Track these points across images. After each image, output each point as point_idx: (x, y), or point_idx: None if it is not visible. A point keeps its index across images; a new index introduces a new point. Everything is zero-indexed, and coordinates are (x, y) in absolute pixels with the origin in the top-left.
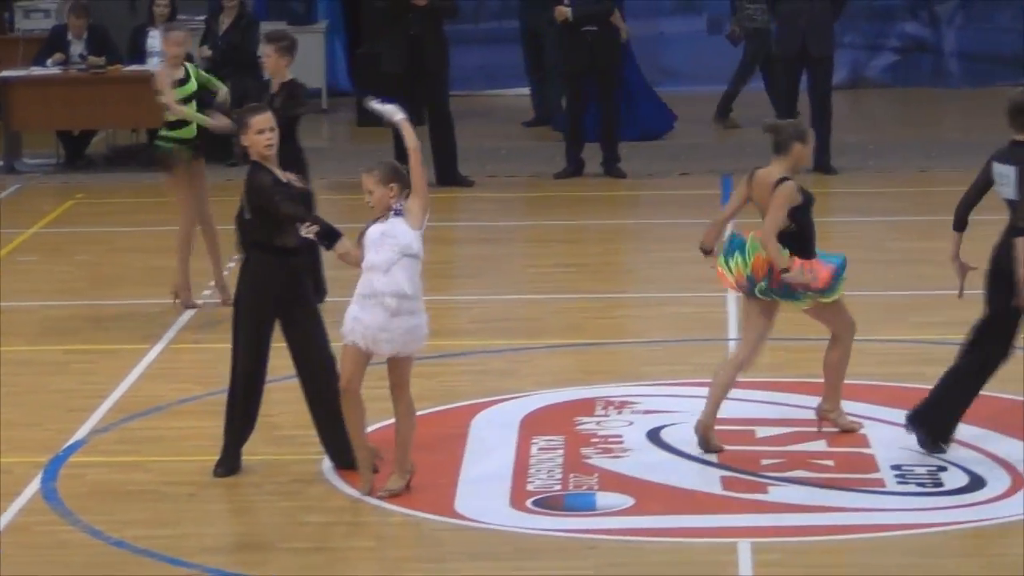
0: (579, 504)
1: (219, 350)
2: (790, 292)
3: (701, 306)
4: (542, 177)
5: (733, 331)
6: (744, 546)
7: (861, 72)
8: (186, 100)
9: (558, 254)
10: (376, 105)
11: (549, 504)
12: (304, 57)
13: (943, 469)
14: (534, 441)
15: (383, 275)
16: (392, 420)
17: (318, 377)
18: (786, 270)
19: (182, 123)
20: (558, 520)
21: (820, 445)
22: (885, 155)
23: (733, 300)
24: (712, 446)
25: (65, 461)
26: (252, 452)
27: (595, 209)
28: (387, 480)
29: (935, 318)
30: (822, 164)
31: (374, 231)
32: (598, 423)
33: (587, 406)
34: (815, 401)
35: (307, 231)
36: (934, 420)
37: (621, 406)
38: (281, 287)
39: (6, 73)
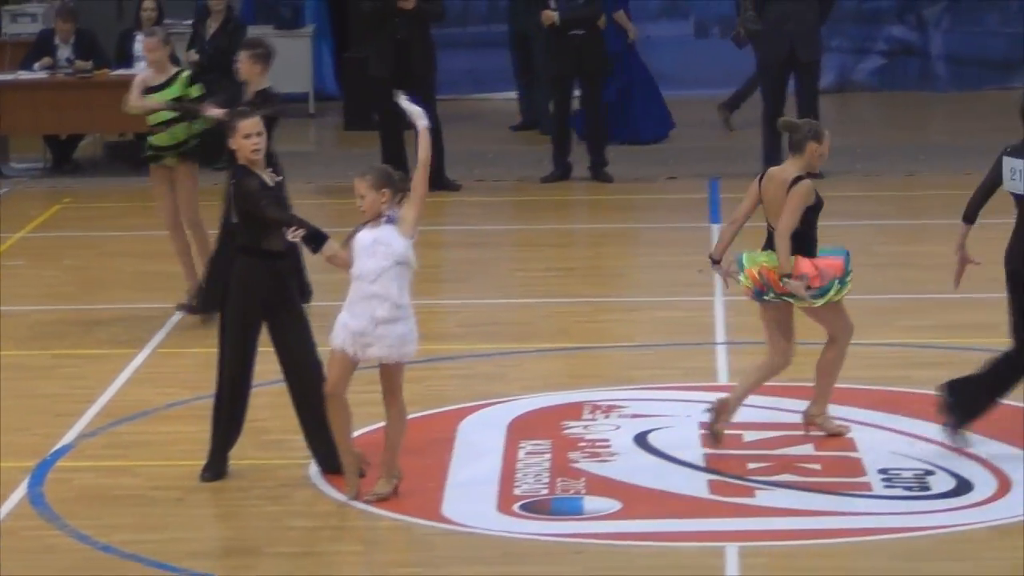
0: (566, 508)
1: (206, 355)
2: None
3: (689, 310)
4: (529, 181)
5: (721, 335)
6: (731, 550)
7: (848, 76)
8: (175, 108)
9: (546, 258)
10: (406, 103)
11: (536, 508)
12: (291, 61)
13: (930, 473)
14: (521, 445)
15: (371, 283)
16: (379, 425)
17: (305, 381)
18: (787, 275)
19: (164, 125)
20: (545, 524)
21: (807, 449)
22: (872, 159)
23: (721, 304)
24: (717, 429)
25: (52, 466)
26: (239, 457)
27: (583, 213)
28: (374, 484)
29: (923, 322)
30: None
31: (365, 237)
32: (585, 427)
33: (574, 410)
34: (803, 405)
35: (294, 235)
36: (966, 396)
37: (608, 410)
38: (268, 291)
39: None
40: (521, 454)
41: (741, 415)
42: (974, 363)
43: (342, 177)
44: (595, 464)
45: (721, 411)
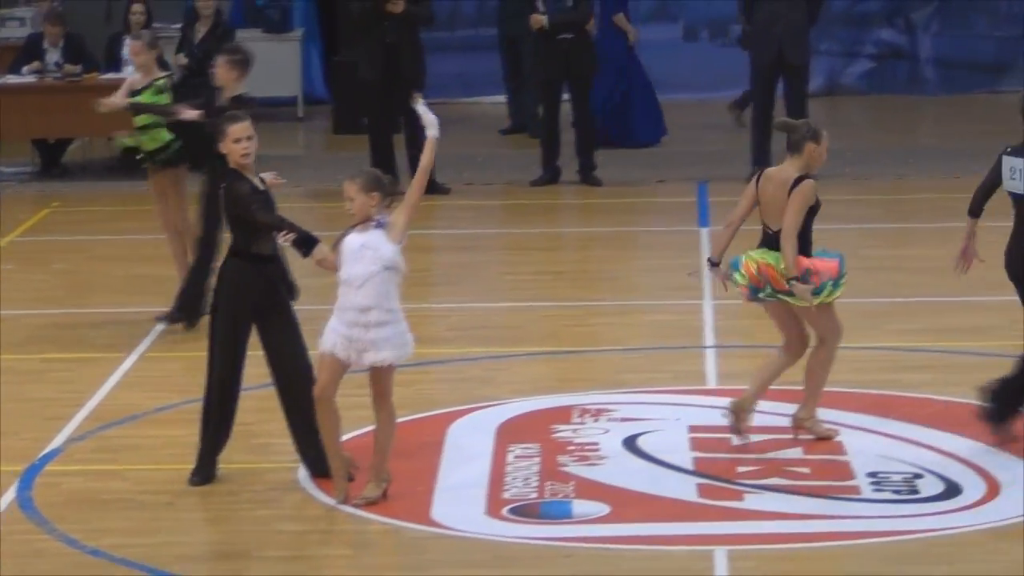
0: (555, 512)
1: (195, 359)
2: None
3: (678, 314)
4: (519, 185)
5: (710, 339)
6: (720, 553)
7: (837, 79)
8: (138, 110)
9: (535, 262)
10: (423, 109)
11: (525, 512)
12: (280, 65)
13: (919, 476)
14: (510, 449)
15: (358, 288)
16: (369, 428)
17: (294, 385)
18: (795, 278)
19: (143, 129)
20: (534, 528)
21: (796, 452)
22: (861, 162)
23: (710, 308)
24: (740, 427)
25: (41, 470)
26: (228, 460)
27: (572, 217)
28: (363, 488)
29: (912, 325)
30: None
31: (353, 241)
32: (574, 431)
33: (564, 414)
34: (791, 408)
35: (284, 239)
36: (1002, 396)
37: (597, 414)
38: (258, 294)
39: None
40: (510, 458)
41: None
42: (963, 366)
43: (331, 181)
44: (584, 468)
45: (739, 412)
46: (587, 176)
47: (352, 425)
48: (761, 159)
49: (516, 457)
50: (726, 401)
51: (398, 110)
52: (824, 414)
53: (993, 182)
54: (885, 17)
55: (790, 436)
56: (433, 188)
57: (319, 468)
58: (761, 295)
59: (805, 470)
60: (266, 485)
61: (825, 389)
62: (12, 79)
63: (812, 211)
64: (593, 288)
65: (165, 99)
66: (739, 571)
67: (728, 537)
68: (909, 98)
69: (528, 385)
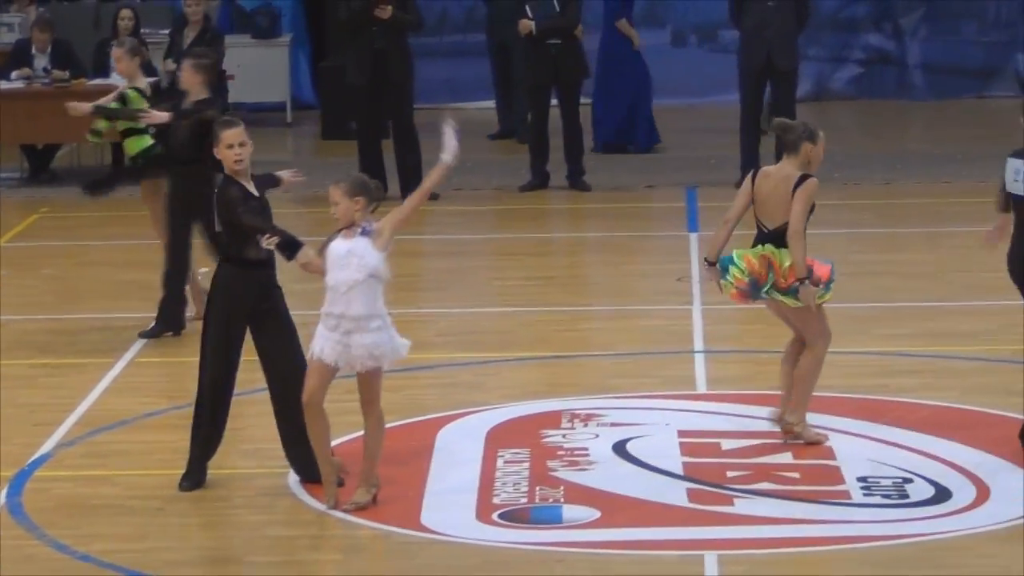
0: (545, 517)
1: (185, 364)
2: (791, 290)
3: (667, 319)
4: (507, 190)
5: (699, 344)
6: (710, 558)
7: (825, 84)
8: (105, 114)
9: (524, 267)
10: (449, 133)
11: (515, 517)
12: (268, 70)
13: (909, 481)
14: (500, 454)
15: (343, 295)
16: (359, 433)
17: (287, 390)
18: (804, 278)
19: (130, 134)
20: (524, 533)
21: (786, 457)
22: (849, 167)
23: (699, 313)
24: (817, 436)
25: (31, 475)
26: (218, 465)
27: (561, 222)
28: (353, 493)
29: (900, 330)
30: None
31: (339, 248)
32: (564, 436)
33: (553, 419)
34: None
35: (268, 242)
36: None
37: (587, 419)
38: (251, 299)
39: None
40: (500, 463)
41: (720, 423)
42: (952, 371)
43: (319, 186)
44: (574, 473)
45: (798, 423)
46: (576, 181)
47: (342, 430)
48: (750, 163)
49: (506, 462)
50: (714, 406)
51: (386, 115)
52: (814, 419)
53: (1004, 183)
54: (873, 22)
55: (780, 441)
56: None
57: (309, 473)
58: (763, 292)
59: (795, 475)
60: (256, 490)
61: (815, 394)
62: (1, 85)
63: (811, 210)
64: (582, 293)
65: (140, 103)
66: (729, 575)
67: (718, 542)
68: (898, 103)
69: (518, 390)
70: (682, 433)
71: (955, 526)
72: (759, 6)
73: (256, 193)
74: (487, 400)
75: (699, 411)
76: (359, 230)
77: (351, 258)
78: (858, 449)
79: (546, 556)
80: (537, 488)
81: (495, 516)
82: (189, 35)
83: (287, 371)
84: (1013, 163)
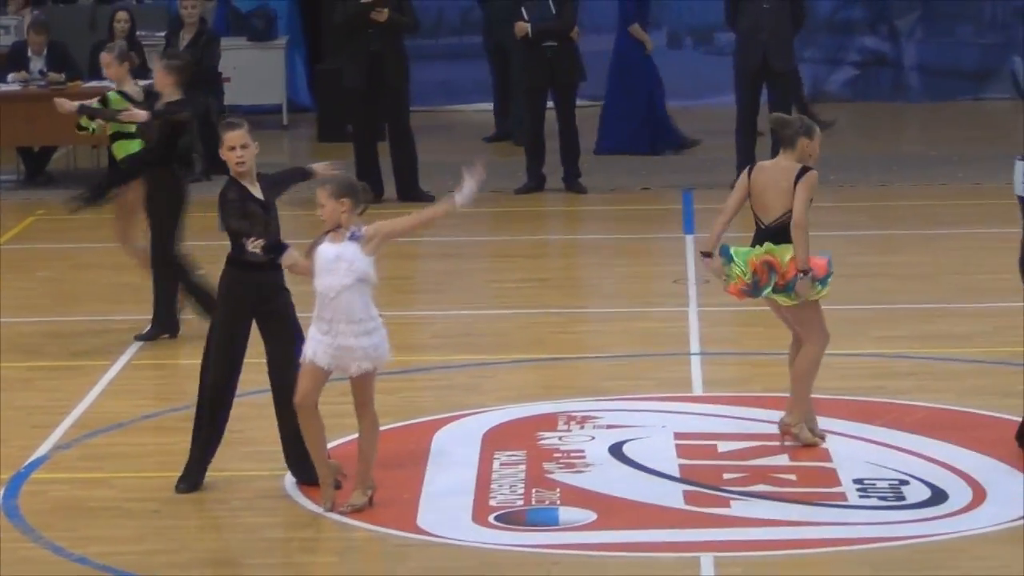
0: (541, 519)
1: (181, 366)
2: (787, 287)
3: (663, 321)
4: (504, 192)
5: (695, 346)
6: (706, 560)
7: (821, 86)
8: (90, 113)
9: (520, 269)
10: (475, 179)
11: (511, 519)
12: (264, 73)
13: (905, 483)
14: (496, 456)
15: (332, 299)
16: (354, 436)
17: (287, 392)
18: (805, 271)
19: (118, 138)
20: (520, 535)
21: (782, 459)
22: (845, 169)
23: (695, 315)
24: (814, 437)
25: (27, 478)
26: (216, 468)
27: (557, 224)
28: (350, 496)
29: (896, 332)
30: None
31: (327, 251)
32: (560, 438)
33: (549, 421)
34: (778, 415)
35: (252, 246)
36: None
37: (583, 421)
38: (254, 301)
39: None
40: (496, 465)
41: (716, 425)
42: (947, 373)
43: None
44: (570, 475)
45: (796, 424)
46: (572, 184)
47: (337, 433)
48: (746, 166)
49: (502, 464)
50: (710, 408)
51: (382, 117)
52: None
53: None
54: (869, 24)
55: (776, 443)
56: (417, 196)
57: (305, 475)
58: (764, 292)
59: (791, 477)
60: (253, 492)
61: (811, 396)
62: None
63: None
64: (579, 295)
65: (122, 105)
66: None
67: (715, 544)
68: (893, 105)
69: (514, 392)
70: (678, 435)
71: (951, 528)
72: (754, 8)
73: (260, 195)
74: (483, 402)
75: (695, 413)
76: (347, 234)
77: (340, 263)
78: (854, 451)
79: (542, 558)
80: (533, 490)
81: (491, 518)
82: (185, 37)
83: (287, 373)
84: (1021, 166)
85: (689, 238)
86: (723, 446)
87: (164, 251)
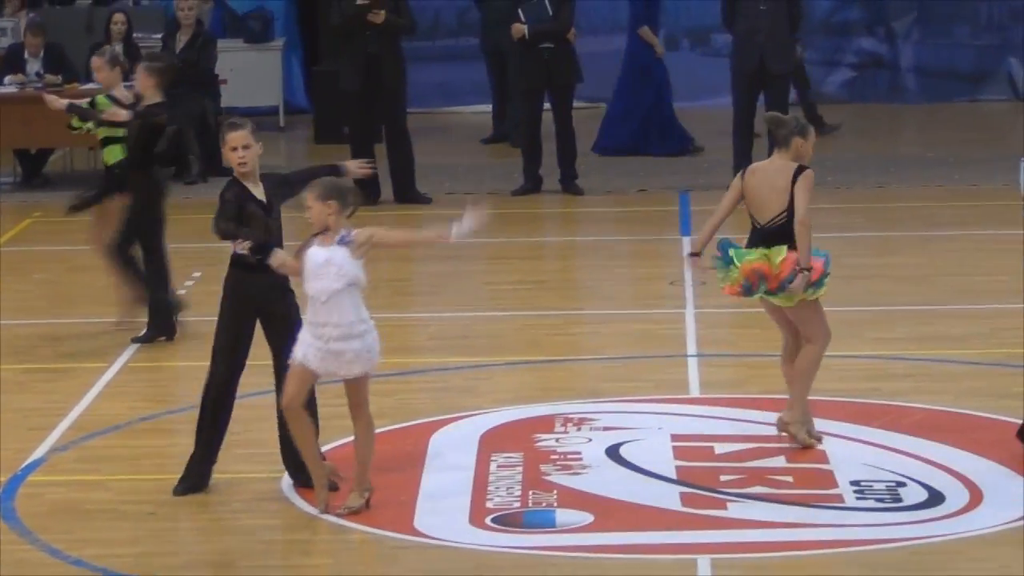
0: (538, 521)
1: (178, 368)
2: (783, 288)
3: (659, 323)
4: (500, 194)
5: (692, 348)
6: (704, 562)
7: (818, 88)
8: (79, 114)
9: (517, 271)
10: (474, 218)
11: (508, 521)
12: (261, 75)
13: (902, 485)
14: (493, 458)
15: (323, 303)
16: (350, 438)
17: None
18: (807, 268)
19: (108, 143)
20: (517, 537)
21: (779, 461)
22: (842, 171)
23: (692, 317)
24: (810, 439)
25: (24, 480)
26: (213, 469)
27: (554, 226)
28: (346, 498)
29: (892, 334)
30: None
31: (317, 255)
32: (557, 440)
33: (546, 423)
34: (774, 417)
35: (240, 247)
36: None
37: (580, 423)
38: (257, 301)
39: None
40: (493, 467)
41: (713, 427)
42: (945, 375)
43: None
44: (567, 477)
45: (793, 423)
46: (569, 185)
47: (334, 435)
48: (743, 167)
49: (499, 466)
50: (707, 410)
51: (379, 119)
52: None
53: None
54: (866, 26)
55: (773, 444)
56: (414, 197)
57: (304, 478)
58: (757, 295)
59: (788, 479)
60: (250, 495)
61: (808, 397)
62: None
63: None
64: (575, 297)
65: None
66: None
67: (712, 546)
68: (890, 107)
69: (510, 394)
70: (675, 437)
71: (948, 530)
72: (751, 10)
73: (263, 196)
74: (480, 404)
75: (692, 415)
76: (336, 238)
77: (329, 267)
78: (851, 453)
79: (539, 560)
80: (530, 492)
81: (488, 520)
82: (181, 39)
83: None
84: None
85: (686, 240)
86: (720, 448)
87: (122, 245)
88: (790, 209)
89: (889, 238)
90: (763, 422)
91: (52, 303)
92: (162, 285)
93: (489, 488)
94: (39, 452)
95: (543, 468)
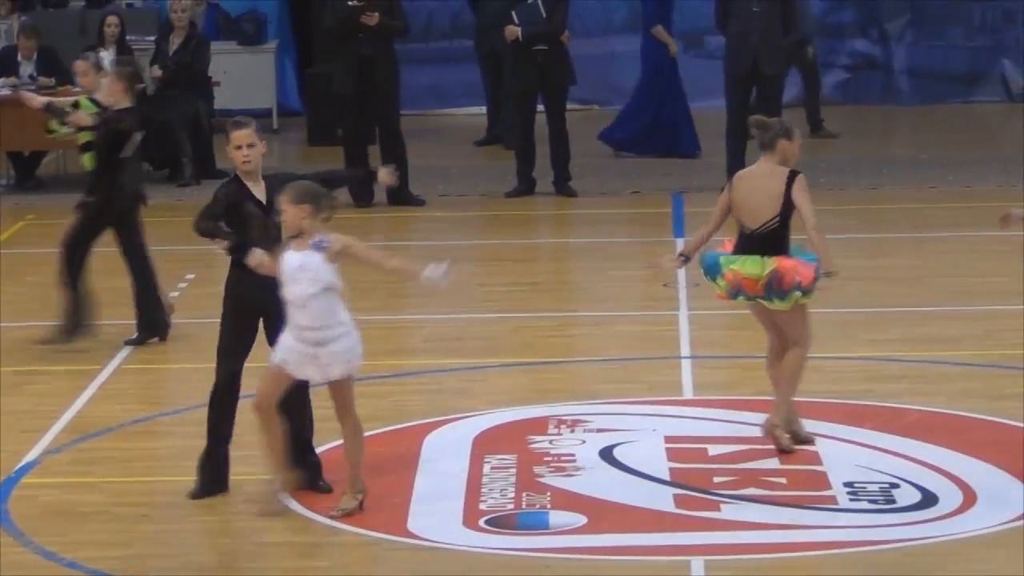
0: (532, 523)
1: (171, 370)
2: (772, 294)
3: (653, 324)
4: (494, 196)
5: (686, 349)
6: (697, 564)
7: None
8: (55, 113)
9: (510, 273)
10: (453, 271)
11: (502, 523)
12: (255, 77)
13: (895, 486)
14: (487, 460)
15: (301, 308)
16: (341, 441)
17: (292, 394)
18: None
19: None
20: (511, 539)
21: (772, 463)
22: (836, 172)
23: (686, 319)
24: (800, 439)
25: (17, 482)
26: None
27: (547, 228)
28: (340, 500)
29: (886, 335)
30: None
31: (292, 260)
32: (551, 442)
33: (540, 425)
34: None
35: (219, 246)
36: None
37: (574, 424)
38: (257, 300)
39: None
40: (487, 469)
41: (707, 429)
42: (938, 376)
43: None
44: (561, 479)
45: (787, 431)
46: (562, 187)
47: (329, 437)
48: (736, 169)
49: (492, 468)
50: (700, 411)
51: (373, 121)
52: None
53: None
54: (859, 28)
55: (767, 446)
56: (407, 200)
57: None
58: (741, 299)
59: (782, 480)
60: (243, 497)
61: (801, 399)
62: None
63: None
64: (569, 299)
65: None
66: None
67: (705, 547)
68: (884, 108)
69: (504, 396)
70: (669, 439)
71: (942, 531)
72: (745, 12)
73: (263, 196)
74: (473, 406)
75: (686, 416)
76: (311, 242)
77: (304, 272)
78: (844, 454)
79: (533, 562)
80: (524, 494)
81: (482, 522)
82: (175, 41)
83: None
84: None
85: (679, 241)
86: (713, 449)
87: (71, 246)
88: (782, 214)
89: (883, 240)
90: (756, 424)
91: (45, 305)
92: (150, 286)
93: (483, 490)
94: (32, 454)
95: (537, 470)
